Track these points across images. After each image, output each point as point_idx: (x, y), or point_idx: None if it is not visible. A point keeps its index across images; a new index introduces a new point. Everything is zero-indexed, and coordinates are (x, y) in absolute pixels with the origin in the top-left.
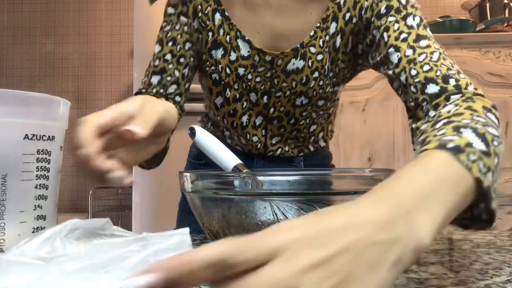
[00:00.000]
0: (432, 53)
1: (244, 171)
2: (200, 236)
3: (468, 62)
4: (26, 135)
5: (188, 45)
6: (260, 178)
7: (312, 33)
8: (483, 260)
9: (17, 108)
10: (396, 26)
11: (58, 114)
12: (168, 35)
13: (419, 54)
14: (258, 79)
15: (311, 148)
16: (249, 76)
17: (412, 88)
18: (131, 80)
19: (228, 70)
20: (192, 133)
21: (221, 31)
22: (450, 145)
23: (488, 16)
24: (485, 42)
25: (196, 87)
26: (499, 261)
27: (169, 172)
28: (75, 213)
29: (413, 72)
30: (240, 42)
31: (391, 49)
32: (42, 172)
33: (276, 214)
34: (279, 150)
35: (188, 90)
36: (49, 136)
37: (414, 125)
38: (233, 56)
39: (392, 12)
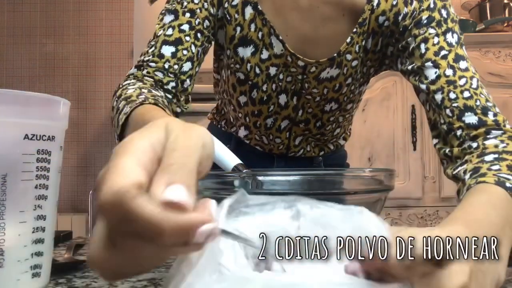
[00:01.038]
0: (471, 78)
1: (244, 171)
2: None
3: None
4: (26, 135)
5: (207, 23)
6: (260, 178)
7: (349, 40)
8: None
9: (17, 108)
10: (436, 40)
11: (58, 114)
12: (185, 5)
13: (460, 77)
14: (289, 78)
15: (331, 147)
16: (281, 76)
17: (448, 112)
18: None
19: (257, 70)
20: None
21: (252, 27)
22: (508, 184)
23: (488, 16)
24: (485, 42)
25: (196, 87)
26: None
27: None
28: (75, 213)
29: (452, 96)
30: (273, 39)
31: (429, 63)
32: (42, 172)
33: None
34: (301, 150)
35: (196, 76)
36: (49, 136)
37: (447, 150)
38: (264, 55)
39: (433, 24)
